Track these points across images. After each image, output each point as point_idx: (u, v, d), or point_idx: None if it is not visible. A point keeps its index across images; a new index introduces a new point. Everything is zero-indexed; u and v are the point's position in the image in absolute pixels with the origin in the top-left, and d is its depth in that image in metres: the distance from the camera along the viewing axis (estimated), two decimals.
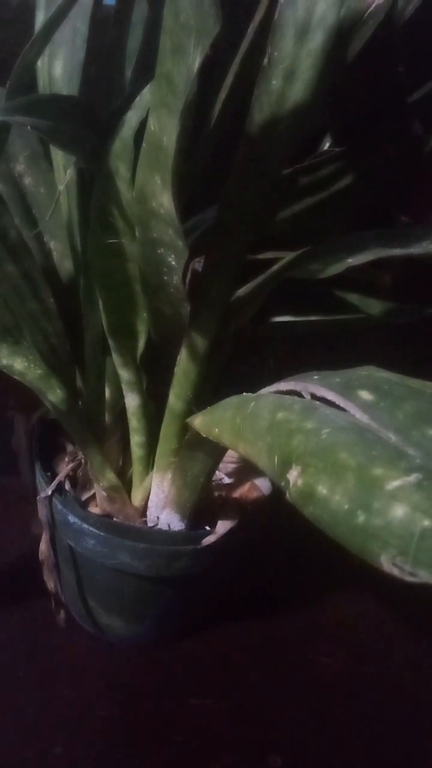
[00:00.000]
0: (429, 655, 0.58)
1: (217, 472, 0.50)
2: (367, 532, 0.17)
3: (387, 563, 0.16)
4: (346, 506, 0.18)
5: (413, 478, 0.18)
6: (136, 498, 0.51)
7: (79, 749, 0.48)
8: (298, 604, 0.61)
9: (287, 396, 0.27)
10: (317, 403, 0.25)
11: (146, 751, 0.49)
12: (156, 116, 0.29)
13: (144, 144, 0.31)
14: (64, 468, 0.50)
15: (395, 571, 0.16)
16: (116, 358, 0.44)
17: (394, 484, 0.18)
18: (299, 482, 0.21)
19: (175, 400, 0.43)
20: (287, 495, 0.22)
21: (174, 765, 0.48)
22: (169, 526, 0.48)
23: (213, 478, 0.49)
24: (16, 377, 0.42)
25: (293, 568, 0.64)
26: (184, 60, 0.25)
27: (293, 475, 0.21)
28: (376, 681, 0.56)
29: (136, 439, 0.48)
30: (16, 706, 0.50)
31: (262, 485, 0.51)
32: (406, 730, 0.53)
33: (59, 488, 0.49)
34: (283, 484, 0.22)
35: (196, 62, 0.25)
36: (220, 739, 0.50)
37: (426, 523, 0.16)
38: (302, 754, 0.50)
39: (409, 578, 0.15)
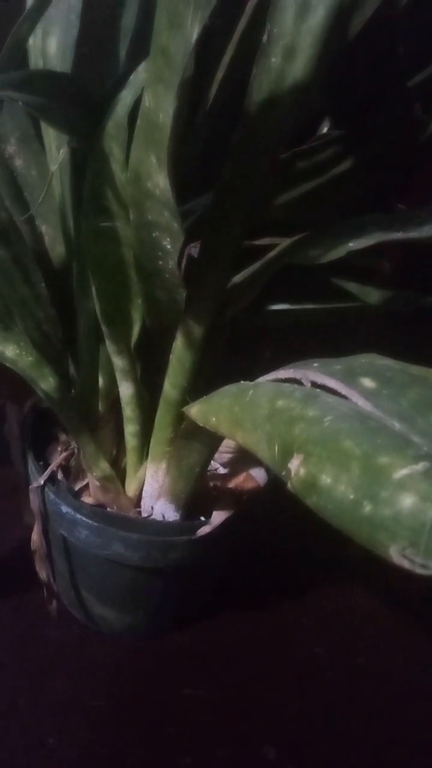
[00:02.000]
0: (423, 646, 0.58)
1: (212, 462, 0.50)
2: (375, 522, 0.17)
3: (397, 555, 0.15)
4: (352, 496, 0.18)
5: (421, 466, 0.17)
6: (130, 488, 0.50)
7: (72, 740, 0.48)
8: (292, 595, 0.61)
9: (287, 384, 0.27)
10: (318, 390, 0.24)
11: (139, 742, 0.48)
12: (152, 92, 0.28)
13: (139, 122, 0.30)
14: (57, 457, 0.50)
15: (405, 563, 0.15)
16: (110, 346, 0.43)
17: (401, 472, 0.17)
18: (301, 471, 0.20)
19: (170, 388, 0.42)
20: (288, 484, 0.21)
21: (167, 756, 0.48)
22: (163, 517, 0.47)
23: (208, 468, 0.48)
24: (7, 365, 0.41)
25: (288, 559, 0.64)
26: (181, 32, 0.24)
27: (295, 464, 0.21)
28: (369, 672, 0.56)
29: (130, 429, 0.47)
30: (7, 696, 0.50)
31: (258, 476, 0.51)
32: (400, 721, 0.53)
33: (52, 478, 0.48)
34: (284, 473, 0.22)
35: (194, 34, 0.24)
36: (214, 730, 0.50)
37: None
38: (296, 745, 0.50)
39: (420, 570, 0.15)
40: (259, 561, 0.62)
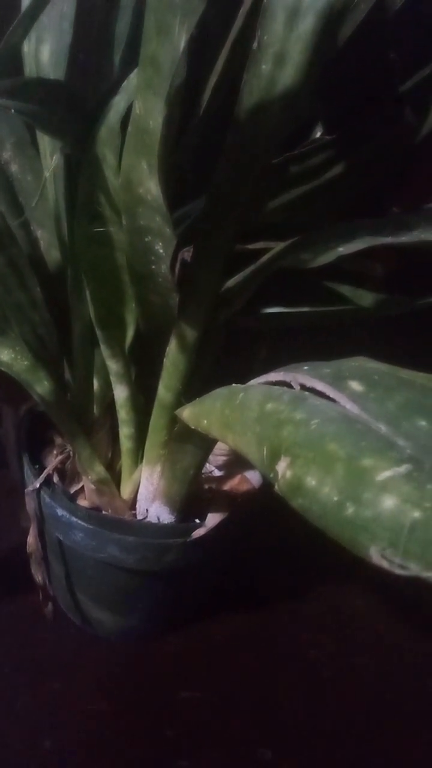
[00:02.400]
0: (420, 646, 0.58)
1: (207, 464, 0.50)
2: (357, 524, 0.17)
3: (376, 556, 0.16)
4: (335, 498, 0.18)
5: (403, 468, 0.17)
6: (125, 491, 0.50)
7: (68, 743, 0.48)
8: (288, 596, 0.61)
9: (277, 387, 0.27)
10: (307, 393, 0.25)
11: (136, 745, 0.48)
12: (142, 99, 0.28)
13: (130, 128, 0.31)
14: (53, 461, 0.50)
15: (385, 564, 0.15)
16: (104, 350, 0.43)
17: (384, 475, 0.17)
18: (288, 474, 0.20)
19: (164, 391, 0.42)
20: (276, 486, 0.21)
21: (163, 758, 0.48)
22: (158, 519, 0.47)
23: (203, 471, 0.49)
24: (2, 369, 0.41)
25: (283, 560, 0.64)
26: (169, 40, 0.25)
27: (282, 466, 0.21)
28: (366, 672, 0.56)
29: (125, 432, 0.47)
30: (3, 699, 0.50)
31: (253, 478, 0.51)
32: (397, 721, 0.53)
33: (47, 481, 0.48)
34: (272, 475, 0.22)
35: (182, 42, 0.24)
36: (210, 733, 0.50)
37: (416, 514, 0.16)
38: (293, 747, 0.50)
39: (399, 571, 0.15)
40: (255, 563, 0.62)
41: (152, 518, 0.48)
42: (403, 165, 0.45)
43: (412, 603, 0.59)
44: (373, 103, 0.41)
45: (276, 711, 0.52)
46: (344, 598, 0.62)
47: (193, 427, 0.33)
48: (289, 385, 0.27)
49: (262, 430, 0.24)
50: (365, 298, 0.45)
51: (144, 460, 0.47)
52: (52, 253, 0.45)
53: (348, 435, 0.20)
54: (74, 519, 0.45)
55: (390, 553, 0.15)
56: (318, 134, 0.42)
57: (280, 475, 0.21)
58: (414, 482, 0.17)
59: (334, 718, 0.52)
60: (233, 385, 0.31)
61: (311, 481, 0.19)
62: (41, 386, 0.42)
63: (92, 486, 0.48)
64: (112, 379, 0.45)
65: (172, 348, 0.40)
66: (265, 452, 0.23)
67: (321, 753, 0.50)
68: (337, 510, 0.18)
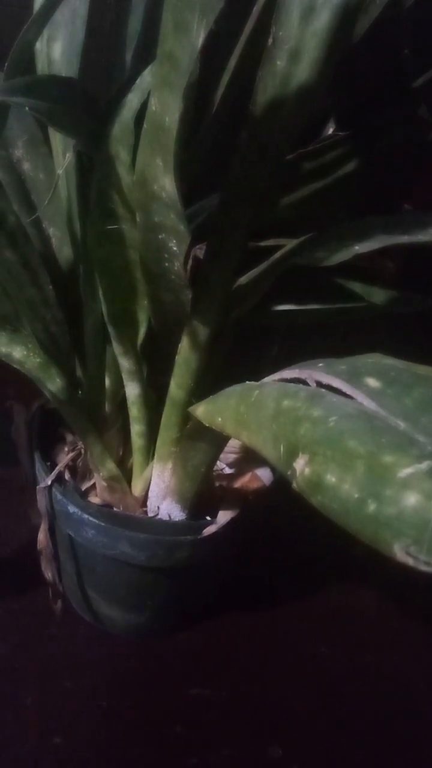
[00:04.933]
0: (427, 645, 0.58)
1: (218, 462, 0.50)
2: (379, 521, 0.17)
3: (401, 553, 0.16)
4: (356, 495, 0.18)
5: (425, 465, 0.17)
6: (137, 488, 0.50)
7: (78, 739, 0.48)
8: (297, 594, 0.61)
9: (292, 384, 0.27)
10: (323, 390, 0.24)
11: (145, 741, 0.49)
12: (158, 96, 0.28)
13: (145, 125, 0.31)
14: (64, 458, 0.50)
15: (409, 561, 0.15)
16: (116, 347, 0.43)
17: (405, 471, 0.17)
18: (307, 471, 0.20)
19: (175, 389, 0.42)
20: (294, 484, 0.21)
21: (173, 755, 0.48)
22: (169, 516, 0.47)
23: (214, 468, 0.49)
24: (15, 366, 0.42)
25: (293, 558, 0.64)
26: (187, 37, 0.25)
27: (300, 463, 0.21)
28: (375, 671, 0.56)
29: (137, 429, 0.47)
30: (14, 696, 0.50)
31: (264, 475, 0.51)
32: (405, 720, 0.53)
33: (59, 478, 0.48)
34: (289, 473, 0.22)
35: (200, 39, 0.24)
36: (220, 730, 0.50)
37: None
38: (302, 745, 0.50)
39: (424, 567, 0.15)
40: (265, 560, 0.62)
41: (163, 515, 0.48)
42: (415, 162, 0.45)
43: (423, 602, 0.59)
44: (387, 100, 0.41)
45: (286, 708, 0.52)
46: (354, 596, 0.62)
47: (206, 425, 0.33)
48: (304, 382, 0.26)
49: (279, 428, 0.24)
50: (377, 295, 0.45)
51: (155, 458, 0.47)
52: (64, 251, 0.45)
53: (367, 432, 0.20)
54: (85, 516, 0.46)
55: (414, 550, 0.15)
56: (331, 131, 0.42)
57: (298, 473, 0.21)
58: None
59: (344, 717, 0.52)
60: (247, 382, 0.31)
61: (331, 479, 0.19)
62: (53, 383, 0.42)
63: (104, 483, 0.49)
64: (124, 376, 0.45)
65: (184, 345, 0.40)
66: (282, 450, 0.23)
67: (330, 751, 0.50)
68: (358, 507, 0.18)
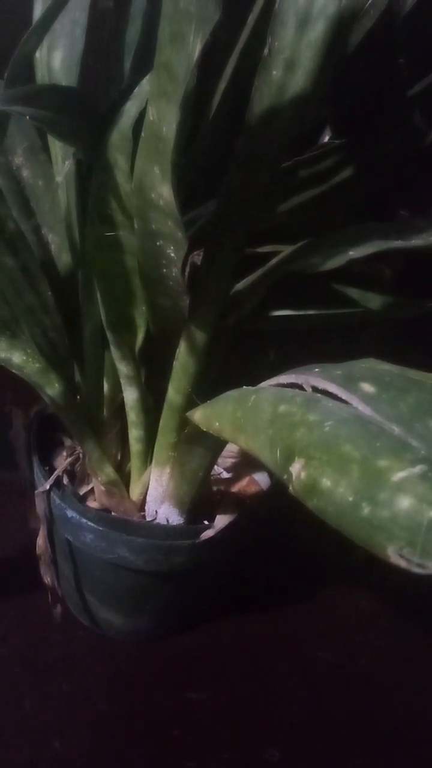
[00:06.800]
0: (425, 648, 0.59)
1: (215, 466, 0.50)
2: (373, 523, 0.17)
3: (394, 555, 0.16)
4: (351, 498, 0.18)
5: (418, 469, 0.18)
6: (135, 492, 0.50)
7: (77, 743, 0.48)
8: (295, 598, 0.62)
9: (288, 389, 0.27)
10: (319, 395, 0.25)
11: (144, 745, 0.49)
12: (155, 105, 0.29)
13: (143, 134, 0.31)
14: (63, 462, 0.50)
15: (403, 563, 0.16)
16: (115, 352, 0.44)
17: (399, 475, 0.18)
18: (303, 475, 0.21)
19: (173, 393, 0.43)
20: (290, 488, 0.21)
21: (172, 759, 0.48)
22: (167, 521, 0.48)
23: (212, 473, 0.49)
24: (14, 371, 0.42)
25: (291, 561, 0.64)
26: (183, 48, 0.25)
27: (296, 468, 0.21)
28: (372, 675, 0.56)
29: (135, 434, 0.48)
30: (13, 699, 0.50)
31: (261, 480, 0.51)
32: (402, 724, 0.53)
33: (57, 483, 0.48)
34: (285, 477, 0.22)
35: (196, 50, 0.24)
36: (218, 733, 0.50)
37: None
38: (300, 748, 0.50)
39: (417, 570, 0.15)
40: (263, 564, 0.63)
41: (161, 520, 0.48)
42: (410, 169, 0.46)
43: (420, 604, 0.59)
44: (382, 108, 0.41)
45: (284, 712, 0.52)
46: (353, 600, 0.62)
47: (204, 430, 0.33)
48: (300, 387, 0.27)
49: (275, 432, 0.24)
50: (373, 300, 0.45)
51: (153, 462, 0.47)
52: (63, 257, 0.46)
53: (362, 436, 0.20)
54: (84, 520, 0.46)
55: (408, 552, 0.16)
56: (327, 138, 0.43)
57: (294, 477, 0.21)
58: (429, 482, 0.17)
59: (342, 720, 0.52)
60: (244, 387, 0.31)
61: (326, 482, 0.19)
62: (52, 388, 0.42)
63: (102, 487, 0.49)
64: (122, 381, 0.45)
65: (182, 350, 0.41)
66: (278, 454, 0.23)
67: (328, 754, 0.50)
68: (353, 510, 0.18)
